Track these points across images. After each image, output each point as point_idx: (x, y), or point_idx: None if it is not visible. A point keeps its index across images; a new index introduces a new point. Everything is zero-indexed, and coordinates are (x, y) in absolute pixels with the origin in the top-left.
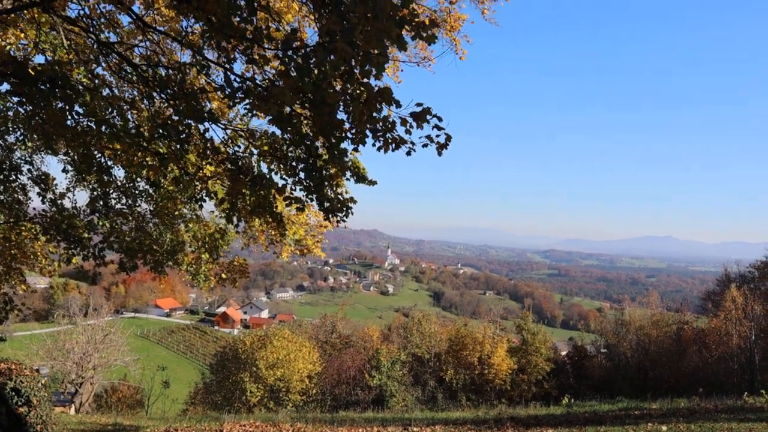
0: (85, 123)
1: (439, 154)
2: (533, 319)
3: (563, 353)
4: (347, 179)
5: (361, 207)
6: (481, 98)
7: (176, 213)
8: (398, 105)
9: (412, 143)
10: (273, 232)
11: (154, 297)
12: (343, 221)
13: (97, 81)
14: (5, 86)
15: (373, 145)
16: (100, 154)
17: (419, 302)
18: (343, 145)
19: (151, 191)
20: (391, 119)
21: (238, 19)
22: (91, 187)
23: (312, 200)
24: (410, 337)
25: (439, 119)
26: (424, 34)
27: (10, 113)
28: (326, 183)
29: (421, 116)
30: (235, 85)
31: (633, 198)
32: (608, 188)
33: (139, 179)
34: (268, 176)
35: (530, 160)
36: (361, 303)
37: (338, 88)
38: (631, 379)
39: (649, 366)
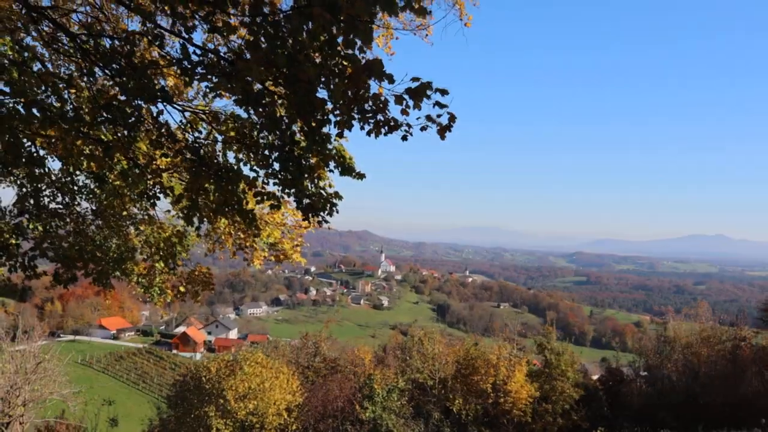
0: (11, 105)
1: (442, 137)
2: (558, 336)
3: (594, 377)
4: (330, 171)
5: (348, 204)
6: (491, 76)
7: (124, 213)
8: (390, 80)
9: (408, 126)
10: (242, 235)
11: (98, 316)
12: (326, 222)
13: (26, 54)
14: None
15: (362, 128)
16: (30, 143)
17: (420, 317)
18: (324, 130)
19: (93, 187)
20: (382, 97)
21: None
22: (19, 182)
23: (289, 196)
24: (410, 359)
25: (443, 93)
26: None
27: None
28: (305, 175)
29: (419, 93)
30: (195, 58)
31: (676, 189)
32: (646, 177)
33: (78, 172)
34: (235, 168)
35: (551, 146)
36: (349, 319)
37: (318, 61)
38: (677, 407)
39: (700, 392)
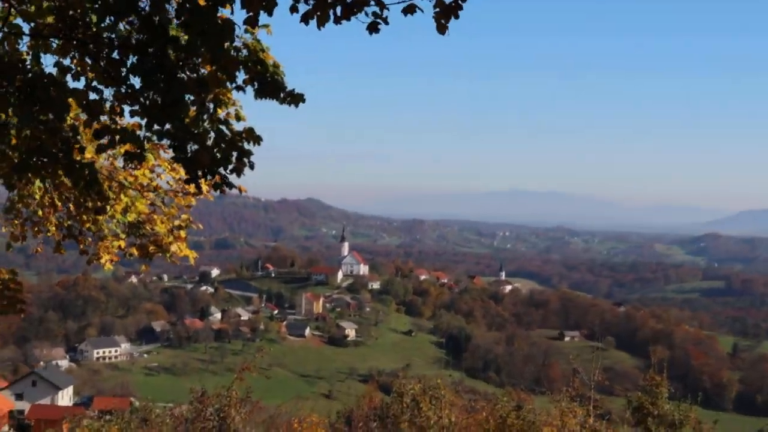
0: None
1: (442, 29)
2: (672, 392)
3: None
4: (238, 89)
5: (278, 153)
6: None
7: None
8: None
9: (381, 4)
10: (75, 210)
11: None
12: (230, 185)
13: None
14: None
15: (293, 11)
16: None
17: (415, 359)
18: (225, 13)
19: None
20: None
21: None
22: None
23: (161, 136)
24: None
25: None
26: None
27: None
28: (189, 97)
29: None
30: None
31: None
32: None
33: None
34: (55, 77)
35: (652, 63)
36: (285, 364)
37: None
38: None
39: None
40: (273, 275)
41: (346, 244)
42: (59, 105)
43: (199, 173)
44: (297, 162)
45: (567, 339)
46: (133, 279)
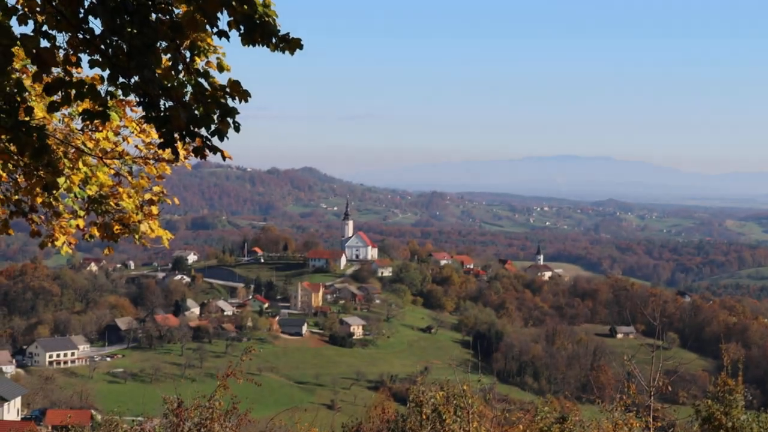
0: None
1: None
2: (750, 398)
3: None
4: (220, 34)
5: (269, 114)
6: None
7: None
8: None
9: None
10: (23, 182)
11: None
12: (214, 149)
13: None
14: None
15: None
16: None
17: (435, 360)
18: None
19: None
20: None
21: None
22: None
23: (127, 91)
24: None
25: None
26: None
27: None
28: (160, 43)
29: None
30: None
31: None
32: None
33: None
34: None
35: None
36: (277, 368)
37: None
38: None
39: None
40: (262, 261)
41: (350, 223)
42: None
43: (175, 135)
44: (290, 124)
45: (620, 336)
46: (93, 267)
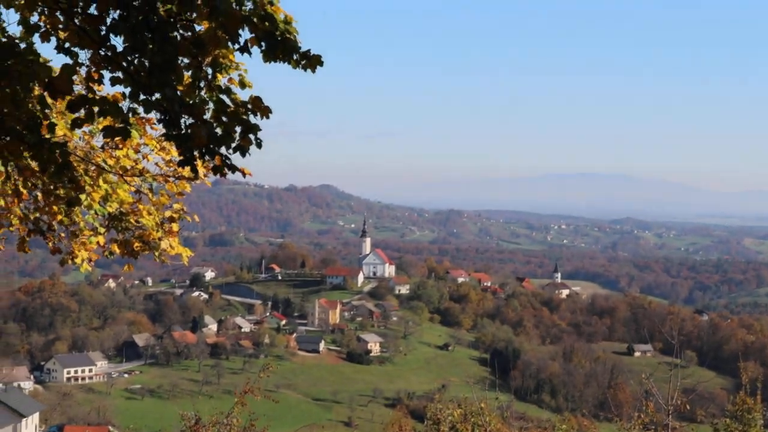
0: None
1: None
2: None
3: None
4: (242, 51)
5: (287, 130)
6: None
7: None
8: None
9: None
10: (43, 200)
11: None
12: (233, 168)
13: None
14: None
15: None
16: None
17: (453, 378)
18: None
19: None
20: None
21: None
22: None
23: (148, 108)
24: None
25: None
26: None
27: None
28: (182, 60)
29: None
30: None
31: None
32: None
33: None
34: (20, 43)
35: None
36: (295, 385)
37: None
38: None
39: None
40: (279, 278)
41: (367, 240)
42: (22, 70)
43: (195, 153)
44: (308, 141)
45: (637, 354)
46: (111, 283)
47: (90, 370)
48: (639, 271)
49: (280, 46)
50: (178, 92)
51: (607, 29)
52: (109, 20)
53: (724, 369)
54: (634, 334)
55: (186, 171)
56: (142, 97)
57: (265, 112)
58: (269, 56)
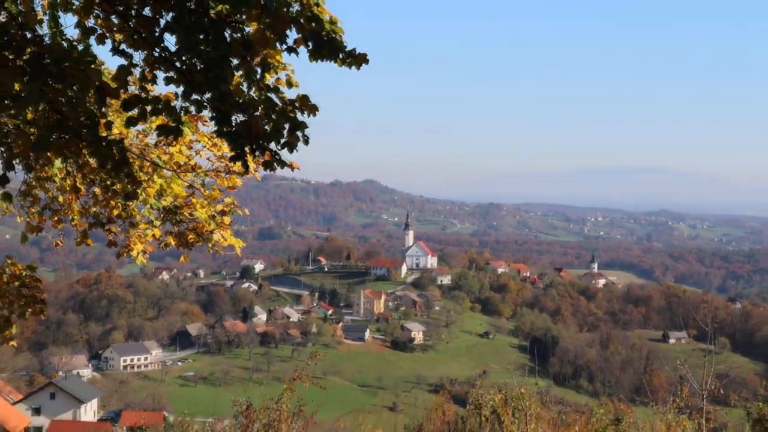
0: None
1: None
2: None
3: None
4: (289, 50)
5: (333, 127)
6: None
7: None
8: None
9: None
10: (101, 194)
11: None
12: (281, 163)
13: None
14: None
15: None
16: None
17: (493, 365)
18: None
19: None
20: None
21: None
22: None
23: (200, 107)
24: None
25: None
26: None
27: None
28: (233, 60)
29: None
30: None
31: None
32: None
33: None
34: (78, 45)
35: None
36: (341, 372)
37: None
38: None
39: None
40: (326, 269)
41: (410, 233)
42: (79, 71)
43: (246, 149)
44: (352, 137)
45: (672, 341)
46: (165, 275)
47: (145, 359)
48: (673, 261)
49: (327, 45)
50: (229, 91)
51: (634, 23)
52: (162, 21)
53: (756, 355)
54: (669, 322)
55: (237, 166)
56: (194, 96)
57: (312, 110)
58: (316, 55)
